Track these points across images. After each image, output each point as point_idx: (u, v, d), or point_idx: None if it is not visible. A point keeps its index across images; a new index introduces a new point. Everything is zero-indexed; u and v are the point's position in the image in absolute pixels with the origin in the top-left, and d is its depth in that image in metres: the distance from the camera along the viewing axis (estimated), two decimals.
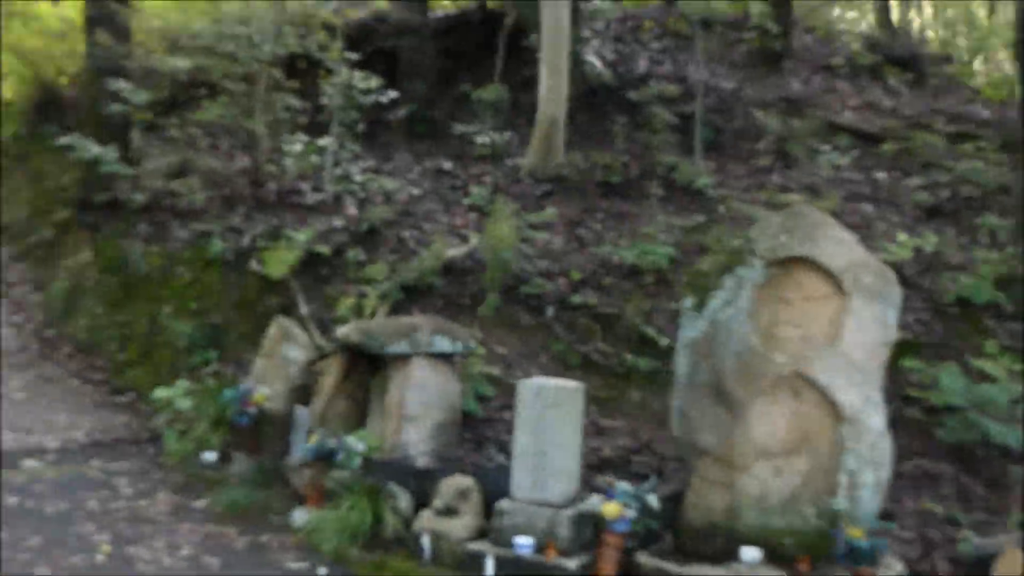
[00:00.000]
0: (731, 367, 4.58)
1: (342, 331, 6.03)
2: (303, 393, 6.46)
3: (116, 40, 9.58)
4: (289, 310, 7.67)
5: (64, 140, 9.31)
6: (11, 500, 5.64)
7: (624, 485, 4.70)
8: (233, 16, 9.11)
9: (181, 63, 8.82)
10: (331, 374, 6.21)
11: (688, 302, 4.84)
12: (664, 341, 6.57)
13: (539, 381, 4.98)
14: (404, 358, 5.80)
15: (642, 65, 12.14)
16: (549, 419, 4.80)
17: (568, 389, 4.89)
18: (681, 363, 4.80)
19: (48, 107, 12.14)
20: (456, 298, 7.49)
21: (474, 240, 8.03)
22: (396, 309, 7.39)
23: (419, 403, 5.78)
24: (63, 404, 7.64)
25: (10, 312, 9.65)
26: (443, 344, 5.90)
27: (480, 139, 10.05)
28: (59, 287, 9.70)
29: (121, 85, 9.21)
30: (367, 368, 6.13)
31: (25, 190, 11.62)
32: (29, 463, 6.33)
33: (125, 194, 9.50)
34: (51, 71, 12.17)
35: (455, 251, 7.87)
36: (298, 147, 9.18)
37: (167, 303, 8.45)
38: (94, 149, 9.17)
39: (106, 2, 9.63)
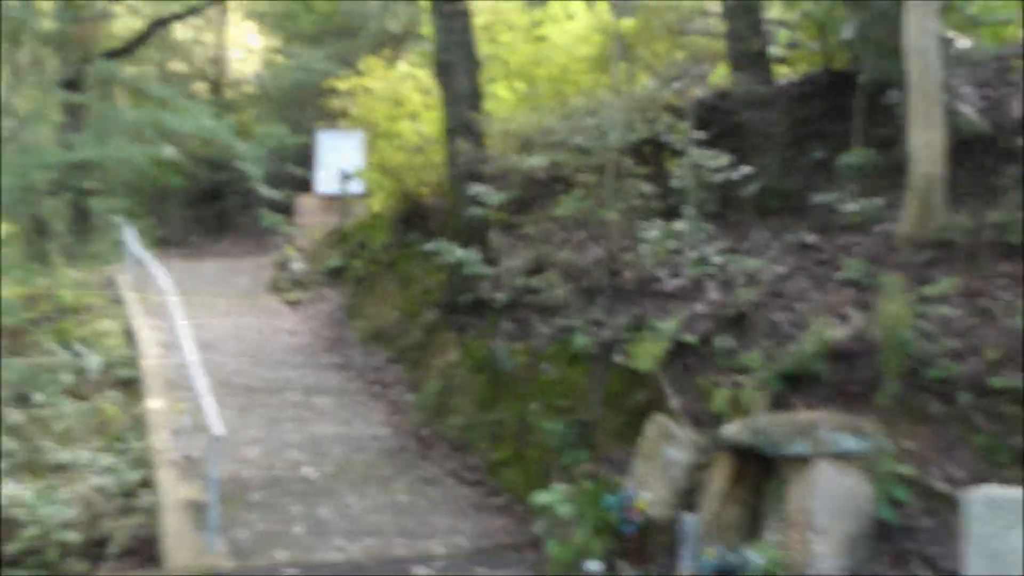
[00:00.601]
0: None
1: (730, 430, 5.51)
2: (687, 497, 5.97)
3: (473, 147, 9.99)
4: (658, 404, 7.28)
5: (430, 246, 9.76)
6: None
7: None
8: (582, 109, 9.12)
9: (537, 161, 8.95)
10: (718, 477, 5.68)
11: None
12: None
13: (991, 492, 4.12)
14: (804, 460, 5.15)
15: (1017, 108, 10.72)
16: (1011, 538, 3.92)
17: None
18: None
19: (412, 216, 12.98)
20: (845, 386, 6.67)
21: (857, 319, 7.21)
22: (776, 400, 6.73)
23: (826, 511, 5.08)
24: (444, 506, 7.74)
25: (389, 413, 10.15)
26: (849, 443, 5.19)
27: (847, 207, 9.20)
28: (431, 387, 10.07)
29: (479, 189, 9.53)
30: (759, 470, 5.53)
31: (395, 295, 12.39)
32: (419, 570, 6.36)
33: (487, 294, 9.75)
34: (413, 182, 13.01)
35: (838, 333, 7.08)
36: (653, 233, 8.91)
37: (534, 400, 8.40)
38: (457, 252, 9.52)
39: (463, 113, 10.10)
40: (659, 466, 6.16)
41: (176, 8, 21.03)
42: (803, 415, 5.62)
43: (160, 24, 20.56)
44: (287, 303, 14.61)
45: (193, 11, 21.21)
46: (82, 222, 16.99)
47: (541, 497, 6.52)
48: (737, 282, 8.42)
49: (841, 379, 6.76)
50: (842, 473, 5.16)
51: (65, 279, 13.23)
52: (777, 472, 5.38)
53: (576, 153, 9.14)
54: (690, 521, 5.79)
